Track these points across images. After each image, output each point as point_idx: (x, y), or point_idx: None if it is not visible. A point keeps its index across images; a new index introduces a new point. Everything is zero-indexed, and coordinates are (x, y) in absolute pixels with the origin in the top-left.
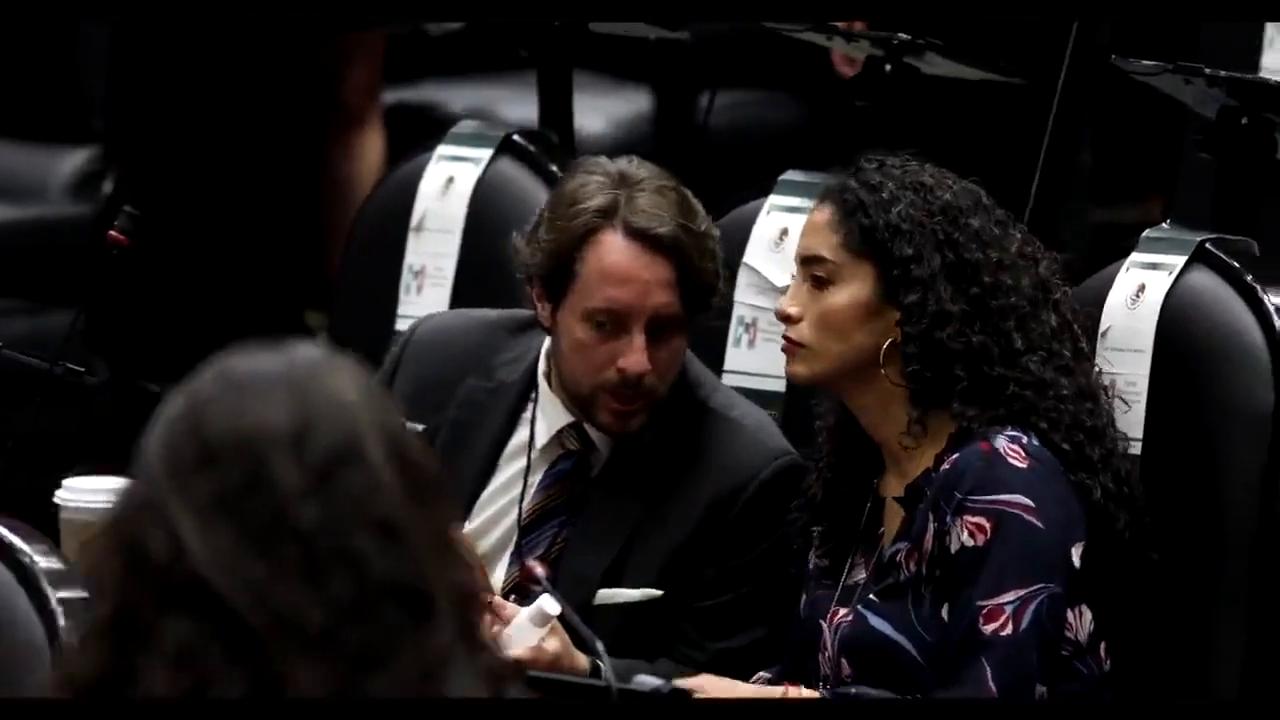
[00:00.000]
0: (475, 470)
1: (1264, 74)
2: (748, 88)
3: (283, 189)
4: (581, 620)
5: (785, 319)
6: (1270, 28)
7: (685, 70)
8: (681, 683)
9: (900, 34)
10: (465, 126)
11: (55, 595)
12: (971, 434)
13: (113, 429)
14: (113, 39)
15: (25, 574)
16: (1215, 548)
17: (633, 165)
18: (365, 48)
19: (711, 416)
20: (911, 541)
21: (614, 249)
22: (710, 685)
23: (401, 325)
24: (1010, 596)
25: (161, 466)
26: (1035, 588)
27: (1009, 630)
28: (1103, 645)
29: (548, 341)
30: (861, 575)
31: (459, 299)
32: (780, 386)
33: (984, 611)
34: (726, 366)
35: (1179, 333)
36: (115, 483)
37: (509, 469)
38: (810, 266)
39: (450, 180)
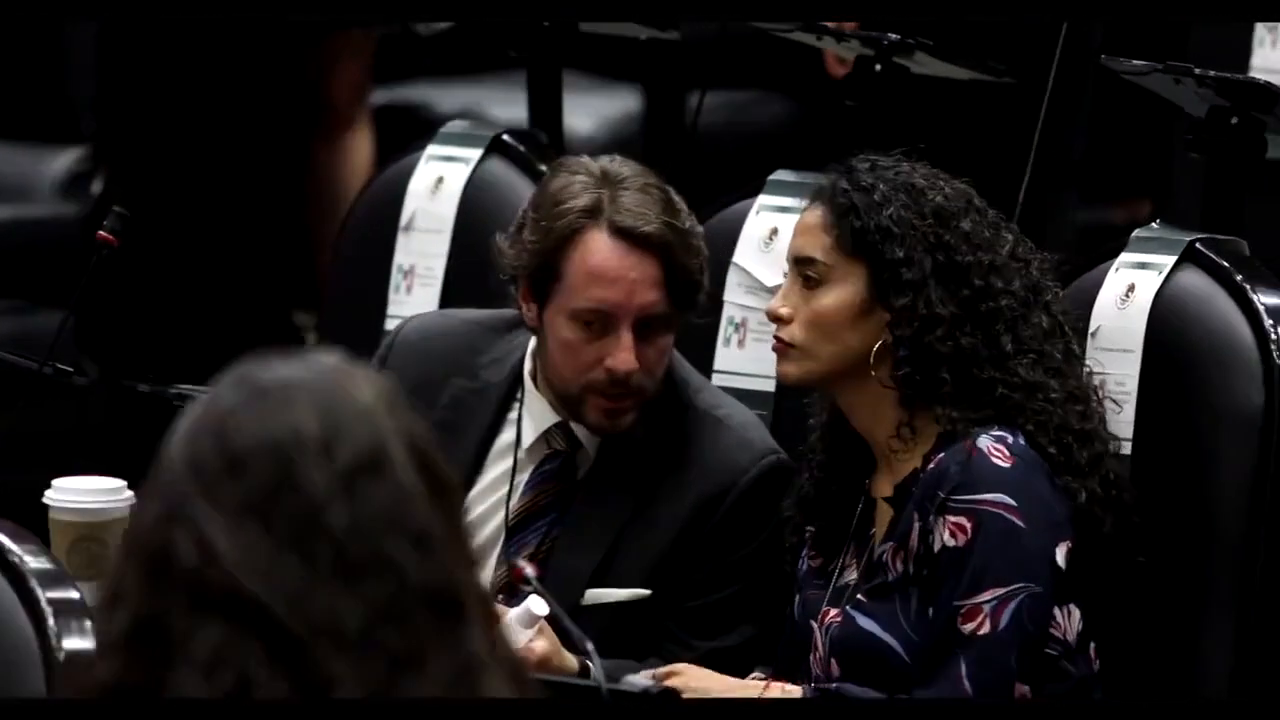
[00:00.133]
0: (462, 471)
1: (1254, 74)
2: (738, 87)
3: (272, 189)
4: (570, 620)
5: (776, 319)
6: (1260, 28)
7: (675, 70)
8: (660, 670)
9: (890, 34)
10: (455, 126)
11: (45, 595)
12: (959, 435)
13: (102, 429)
14: (101, 39)
15: (14, 574)
16: (1205, 548)
17: (615, 164)
18: (354, 47)
19: (698, 415)
20: (898, 541)
21: (600, 248)
22: (690, 674)
23: (390, 325)
24: (988, 596)
25: (185, 475)
26: (1015, 587)
27: (986, 629)
28: (1092, 646)
29: (533, 341)
30: (852, 576)
31: (448, 299)
32: (770, 387)
33: (962, 611)
34: (716, 366)
35: (1169, 333)
36: (105, 483)
37: (495, 469)
38: (802, 267)
39: (440, 180)
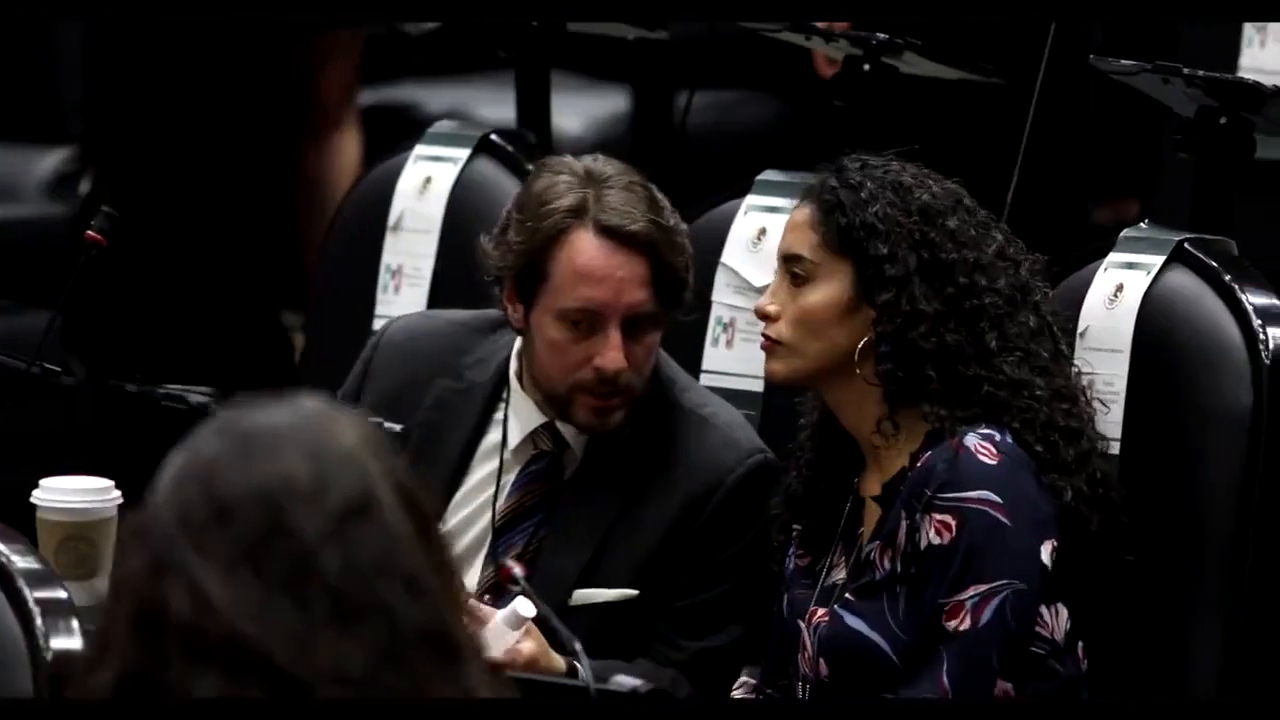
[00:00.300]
0: (448, 471)
1: (1242, 74)
2: (726, 87)
3: (260, 189)
4: (558, 621)
5: (764, 317)
6: (1249, 27)
7: (663, 70)
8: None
9: (879, 34)
10: (443, 126)
11: (32, 595)
12: (946, 433)
13: (90, 429)
14: (88, 38)
15: (2, 574)
16: (1193, 547)
17: (598, 163)
18: (342, 47)
19: (685, 415)
20: (885, 540)
21: (587, 248)
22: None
23: (379, 325)
24: (971, 592)
25: (173, 525)
26: (998, 584)
27: (967, 625)
28: (1080, 645)
29: (518, 342)
30: (840, 575)
31: (436, 299)
32: (758, 386)
33: (946, 608)
34: (704, 366)
35: (1157, 333)
36: (93, 483)
37: (481, 470)
38: (790, 264)
39: (428, 180)
